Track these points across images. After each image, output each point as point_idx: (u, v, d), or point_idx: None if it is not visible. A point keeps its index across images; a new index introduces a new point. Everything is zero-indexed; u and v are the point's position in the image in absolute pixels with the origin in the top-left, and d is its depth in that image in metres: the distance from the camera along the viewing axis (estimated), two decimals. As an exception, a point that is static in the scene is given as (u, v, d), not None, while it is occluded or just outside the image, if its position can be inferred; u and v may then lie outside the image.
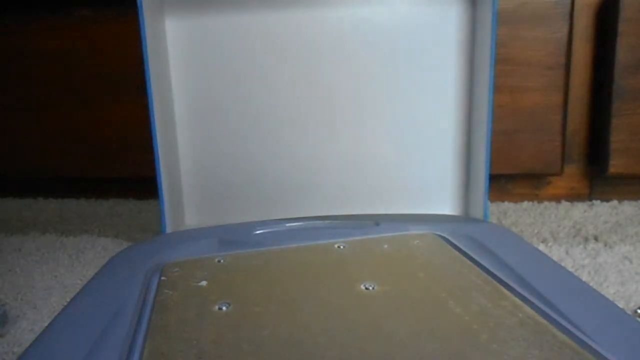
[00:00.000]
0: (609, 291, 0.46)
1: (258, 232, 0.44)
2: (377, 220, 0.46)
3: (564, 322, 0.26)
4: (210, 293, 0.32)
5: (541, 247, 0.57)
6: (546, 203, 0.74)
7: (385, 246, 0.38)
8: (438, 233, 0.41)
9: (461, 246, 0.38)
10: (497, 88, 0.70)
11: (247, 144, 0.58)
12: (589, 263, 0.52)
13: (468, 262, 0.35)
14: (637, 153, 0.68)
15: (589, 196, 0.75)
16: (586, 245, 0.57)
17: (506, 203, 0.74)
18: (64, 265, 0.58)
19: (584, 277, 0.49)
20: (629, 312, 0.42)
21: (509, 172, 0.72)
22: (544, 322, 0.27)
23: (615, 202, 0.72)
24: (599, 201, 0.73)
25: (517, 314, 0.28)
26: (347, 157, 0.58)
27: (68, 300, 0.48)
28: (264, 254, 0.38)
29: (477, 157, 0.55)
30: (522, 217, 0.68)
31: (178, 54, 0.57)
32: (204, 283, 0.33)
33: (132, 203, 0.82)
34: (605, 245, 0.57)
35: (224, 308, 0.30)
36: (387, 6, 0.55)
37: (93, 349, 0.26)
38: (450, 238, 0.40)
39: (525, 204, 0.74)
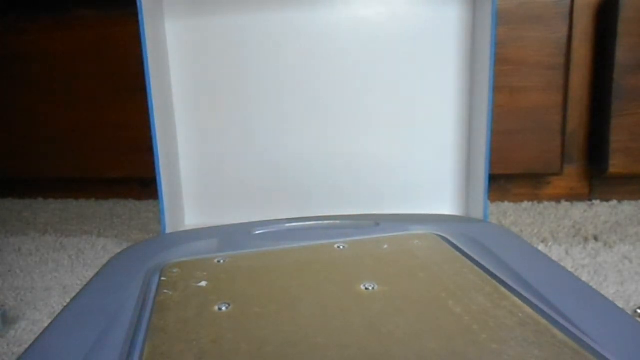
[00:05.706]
0: (609, 291, 0.46)
1: (258, 232, 0.44)
2: (377, 221, 0.46)
3: (564, 322, 0.26)
4: (210, 293, 0.32)
5: (541, 247, 0.57)
6: (546, 203, 0.74)
7: (386, 246, 0.38)
8: (438, 233, 0.41)
9: (461, 246, 0.38)
10: (496, 88, 0.70)
11: (247, 144, 0.58)
12: (589, 263, 0.52)
13: (468, 262, 0.35)
14: (636, 153, 0.68)
15: (589, 196, 0.75)
16: (586, 245, 0.57)
17: (506, 203, 0.74)
18: (64, 265, 0.58)
19: (584, 277, 0.49)
20: (629, 312, 0.42)
21: (509, 172, 0.72)
22: (544, 322, 0.27)
23: (615, 202, 0.72)
24: (598, 201, 0.73)
25: (517, 314, 0.28)
26: (347, 157, 0.58)
27: (68, 300, 0.48)
28: (264, 254, 0.38)
29: (477, 157, 0.55)
30: (522, 217, 0.68)
31: (178, 54, 0.57)
32: (203, 283, 0.33)
33: (132, 203, 0.82)
34: (605, 245, 0.57)
35: (223, 308, 0.30)
36: (387, 6, 0.55)
37: (93, 349, 0.26)
38: (450, 238, 0.40)
39: (525, 204, 0.74)
